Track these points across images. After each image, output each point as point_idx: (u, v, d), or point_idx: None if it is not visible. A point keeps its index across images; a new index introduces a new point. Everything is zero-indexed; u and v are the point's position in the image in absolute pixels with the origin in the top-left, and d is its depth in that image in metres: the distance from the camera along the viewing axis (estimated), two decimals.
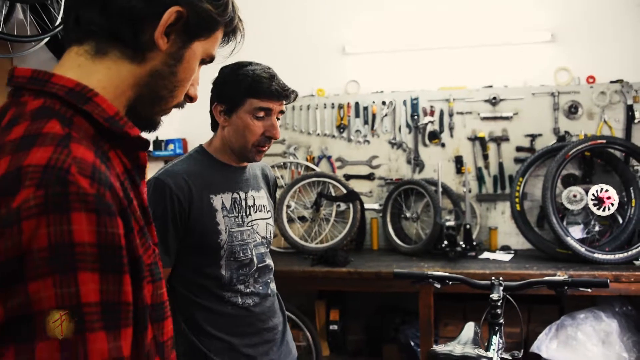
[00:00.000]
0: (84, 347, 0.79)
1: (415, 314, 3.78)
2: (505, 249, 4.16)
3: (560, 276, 2.38)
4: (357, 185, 4.44)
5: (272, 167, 4.59)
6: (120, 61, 0.98)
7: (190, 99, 1.12)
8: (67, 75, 0.94)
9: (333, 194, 4.43)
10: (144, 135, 1.06)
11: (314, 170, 4.51)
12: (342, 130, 4.48)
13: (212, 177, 1.96)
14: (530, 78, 4.20)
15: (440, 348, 1.69)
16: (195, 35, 1.03)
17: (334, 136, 4.51)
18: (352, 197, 4.31)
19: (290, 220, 4.46)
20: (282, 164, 4.60)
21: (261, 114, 1.90)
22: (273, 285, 2.11)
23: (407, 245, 4.22)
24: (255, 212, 2.03)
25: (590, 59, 4.13)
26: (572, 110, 4.11)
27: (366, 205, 4.39)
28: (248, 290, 1.97)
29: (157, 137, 4.40)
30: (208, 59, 1.11)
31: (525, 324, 3.98)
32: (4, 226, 0.78)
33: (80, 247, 0.79)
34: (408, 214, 4.34)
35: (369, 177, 4.47)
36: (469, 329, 1.91)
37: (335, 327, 4.20)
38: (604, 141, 3.82)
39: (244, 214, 1.98)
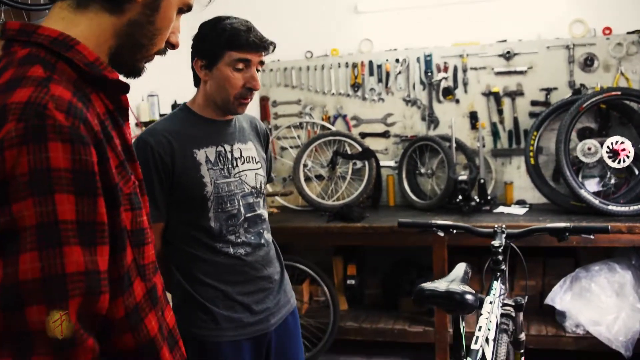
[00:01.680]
0: (61, 258, 0.89)
1: (430, 268, 3.84)
2: (521, 203, 4.18)
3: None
4: (373, 143, 4.49)
5: (289, 127, 4.65)
6: (101, 13, 1.07)
7: (172, 46, 1.21)
8: (51, 27, 1.03)
9: (349, 152, 4.48)
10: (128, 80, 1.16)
11: (329, 129, 4.56)
12: (356, 89, 4.51)
13: (195, 133, 1.99)
14: (545, 31, 4.15)
15: (427, 285, 1.75)
16: None
17: (348, 95, 4.55)
18: (367, 154, 4.35)
19: (307, 179, 4.53)
20: (298, 124, 4.65)
21: (240, 66, 1.91)
22: (268, 235, 2.13)
23: (423, 201, 4.26)
24: (243, 163, 2.06)
25: (606, 10, 4.06)
26: (588, 63, 4.07)
27: (382, 163, 4.43)
28: (239, 240, 2.00)
29: (175, 101, 4.46)
30: (186, 8, 1.19)
31: (541, 277, 4.03)
32: None
33: (56, 172, 0.90)
34: (423, 170, 4.38)
35: (384, 134, 4.51)
36: (460, 268, 1.96)
37: (353, 282, 4.30)
38: (619, 93, 3.78)
39: (230, 166, 2.01)
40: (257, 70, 1.97)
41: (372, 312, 4.24)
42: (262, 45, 1.92)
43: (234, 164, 2.02)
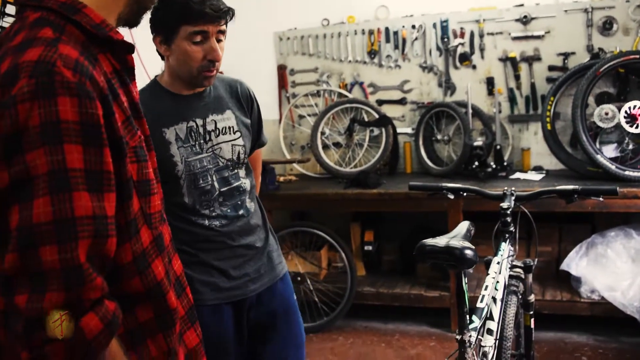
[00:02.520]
0: (71, 203, 0.97)
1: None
2: (538, 169, 4.17)
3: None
4: (390, 110, 4.50)
5: (306, 95, 4.68)
6: None
7: None
8: None
9: (366, 120, 4.50)
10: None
11: (346, 97, 4.58)
12: (373, 56, 4.51)
13: (163, 110, 1.95)
14: None
15: (428, 241, 1.79)
16: None
17: (365, 62, 4.55)
18: (384, 121, 4.37)
19: (325, 146, 4.57)
20: (315, 91, 4.68)
21: (198, 39, 1.85)
22: (250, 205, 2.09)
23: (439, 167, 4.28)
24: (218, 135, 2.00)
25: None
26: (607, 27, 4.01)
27: (399, 130, 4.45)
28: (214, 213, 2.00)
29: None
30: None
31: (557, 243, 4.03)
32: (4, 109, 0.97)
33: (65, 124, 0.97)
34: (440, 137, 4.39)
35: (401, 101, 4.51)
36: (462, 226, 1.99)
37: (370, 247, 4.35)
38: (638, 56, 3.72)
39: (202, 141, 1.97)
40: (220, 40, 1.90)
41: (389, 277, 4.30)
42: (217, 15, 1.84)
43: (207, 138, 1.98)
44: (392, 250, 4.47)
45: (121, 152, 1.08)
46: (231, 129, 2.04)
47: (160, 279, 1.19)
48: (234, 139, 2.04)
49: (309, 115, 4.72)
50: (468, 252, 1.74)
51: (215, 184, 1.99)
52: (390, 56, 4.47)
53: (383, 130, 4.40)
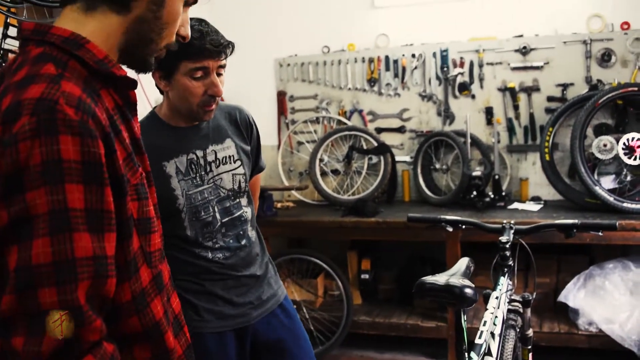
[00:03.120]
0: (71, 243, 0.96)
1: (444, 265, 3.85)
2: (536, 199, 4.16)
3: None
4: (388, 138, 4.50)
5: (305, 121, 4.68)
6: (109, 13, 1.13)
7: (183, 38, 1.28)
8: (63, 27, 1.10)
9: (364, 147, 4.50)
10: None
11: (345, 124, 4.59)
12: (372, 84, 4.52)
13: (163, 143, 1.93)
14: (562, 26, 4.12)
15: (428, 278, 1.77)
16: None
17: (365, 90, 4.56)
18: (383, 149, 4.37)
19: (323, 173, 4.56)
20: (314, 118, 4.68)
21: (199, 74, 1.84)
22: (251, 233, 2.09)
23: (437, 196, 4.27)
24: (218, 166, 2.00)
25: (624, 4, 4.01)
26: (605, 58, 4.03)
27: (397, 158, 4.45)
28: (217, 245, 1.98)
29: None
30: (192, 1, 1.25)
31: (555, 274, 4.01)
32: (5, 147, 0.96)
33: (67, 163, 0.96)
34: (438, 166, 4.38)
35: (400, 129, 4.51)
36: (462, 262, 1.97)
37: (367, 276, 4.31)
38: (636, 89, 3.73)
39: (202, 173, 1.96)
40: (220, 75, 1.90)
41: (385, 306, 4.26)
42: (218, 50, 1.84)
43: (208, 169, 1.98)
44: (389, 279, 4.43)
45: (122, 190, 1.07)
46: (231, 157, 2.04)
47: (159, 319, 1.17)
48: (235, 168, 2.04)
49: (307, 141, 4.71)
50: (468, 290, 1.72)
51: (217, 215, 1.99)
52: (390, 84, 4.48)
53: (381, 158, 4.39)
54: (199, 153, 1.97)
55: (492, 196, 3.98)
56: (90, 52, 1.09)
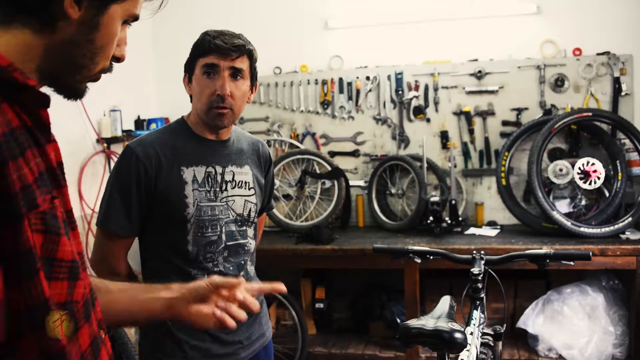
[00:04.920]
0: None
1: (401, 291, 3.76)
2: (492, 224, 4.13)
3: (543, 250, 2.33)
4: (342, 162, 4.40)
5: None
6: (26, 30, 0.93)
7: (118, 59, 1.06)
8: None
9: (318, 172, 4.37)
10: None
11: (298, 147, 4.45)
12: (326, 106, 4.42)
13: (186, 149, 1.92)
14: (516, 51, 4.13)
15: (413, 322, 1.65)
16: None
17: (318, 113, 4.45)
18: (336, 174, 4.26)
19: (275, 198, 4.40)
20: (265, 141, 4.52)
21: (210, 71, 1.86)
22: (251, 268, 2.05)
23: (393, 221, 4.18)
24: (233, 187, 1.97)
25: (576, 31, 4.06)
26: (559, 83, 4.06)
27: (351, 182, 4.34)
28: (216, 269, 1.91)
29: (138, 117, 4.32)
30: (131, 19, 1.04)
31: (512, 299, 3.97)
32: None
33: None
34: (393, 191, 4.30)
35: (354, 153, 4.42)
36: (444, 302, 1.86)
37: (321, 305, 4.17)
38: (590, 114, 3.77)
39: (217, 189, 1.93)
40: (236, 79, 1.87)
41: (341, 336, 4.14)
42: (227, 48, 1.84)
43: (223, 187, 1.94)
44: (343, 308, 4.31)
45: (13, 212, 0.83)
46: (247, 184, 2.01)
47: None
48: (248, 195, 2.01)
49: None
50: (458, 335, 1.60)
51: (223, 235, 1.93)
52: (344, 107, 4.38)
53: (335, 182, 4.29)
54: (218, 169, 1.94)
55: (449, 221, 3.92)
56: None
